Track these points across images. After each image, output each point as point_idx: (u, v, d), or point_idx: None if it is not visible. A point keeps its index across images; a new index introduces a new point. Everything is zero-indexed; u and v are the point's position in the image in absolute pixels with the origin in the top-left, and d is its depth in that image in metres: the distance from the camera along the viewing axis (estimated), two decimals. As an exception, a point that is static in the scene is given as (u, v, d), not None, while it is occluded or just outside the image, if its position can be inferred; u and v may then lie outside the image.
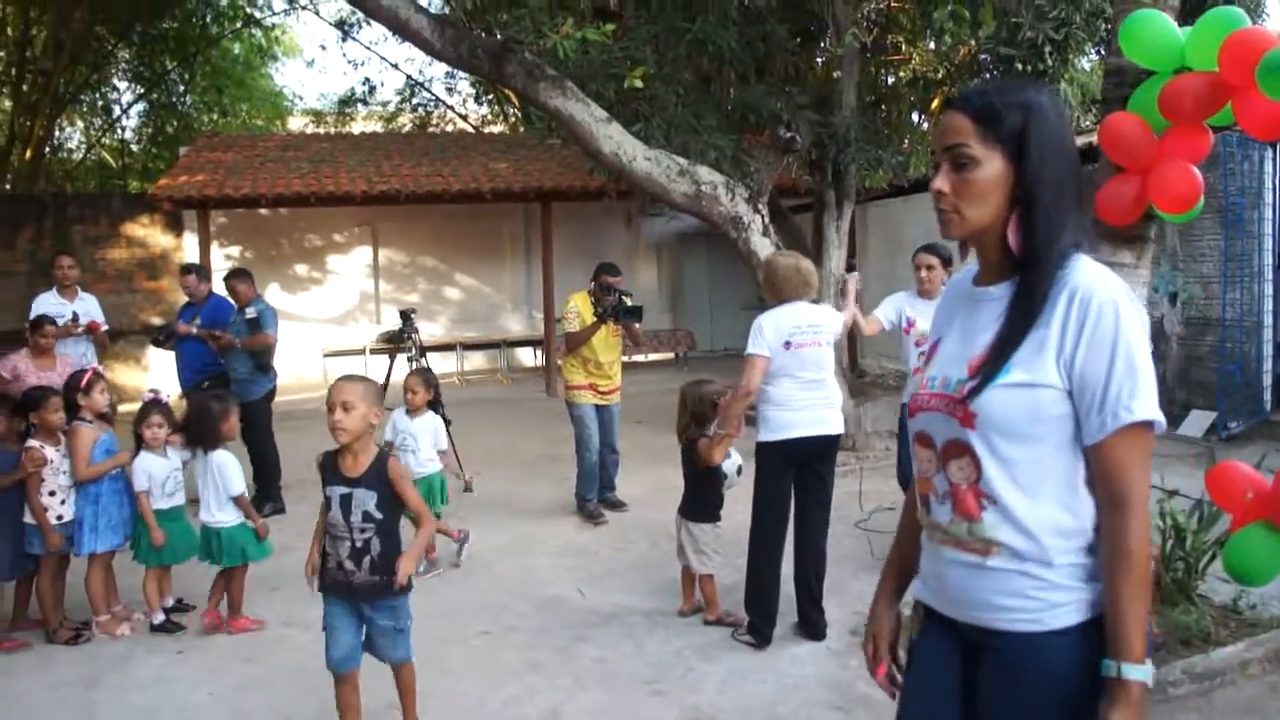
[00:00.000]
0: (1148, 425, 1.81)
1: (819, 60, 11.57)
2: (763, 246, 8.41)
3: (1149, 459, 1.84)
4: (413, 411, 6.48)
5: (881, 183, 11.30)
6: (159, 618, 5.43)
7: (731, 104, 10.02)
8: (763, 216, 8.60)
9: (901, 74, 11.95)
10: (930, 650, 2.07)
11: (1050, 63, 8.58)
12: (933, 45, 11.11)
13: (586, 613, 5.52)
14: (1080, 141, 11.46)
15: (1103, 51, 9.21)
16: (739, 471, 5.36)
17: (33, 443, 5.24)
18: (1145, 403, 1.80)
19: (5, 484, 5.21)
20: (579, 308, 7.37)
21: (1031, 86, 1.97)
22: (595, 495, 7.46)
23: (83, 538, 5.29)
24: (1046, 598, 1.84)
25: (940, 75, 10.79)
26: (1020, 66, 8.63)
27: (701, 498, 5.33)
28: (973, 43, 9.71)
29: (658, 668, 4.72)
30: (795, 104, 9.56)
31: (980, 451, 1.89)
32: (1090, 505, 1.85)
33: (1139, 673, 1.76)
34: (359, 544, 3.73)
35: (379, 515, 3.73)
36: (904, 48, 11.59)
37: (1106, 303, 1.81)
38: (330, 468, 3.79)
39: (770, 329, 4.90)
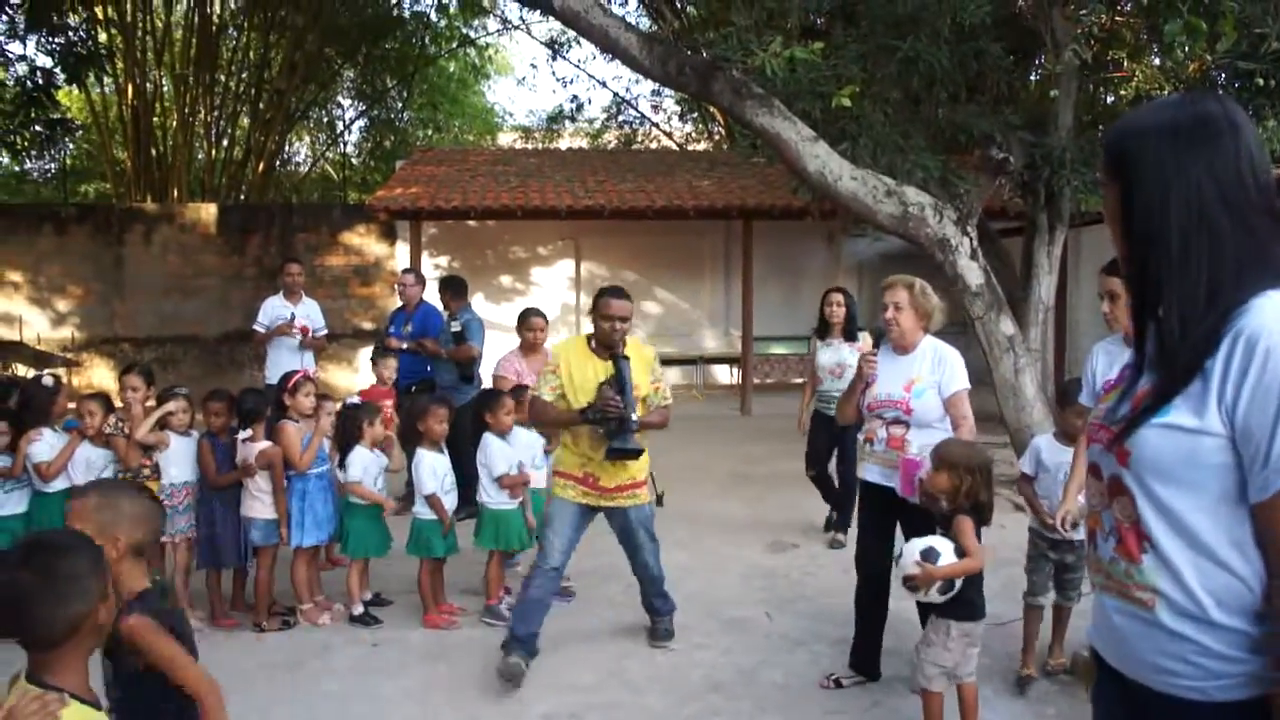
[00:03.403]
0: None
1: (1034, 78, 11.19)
2: (970, 270, 8.16)
3: None
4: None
5: (1098, 206, 10.79)
6: (358, 609, 5.66)
7: (941, 124, 9.78)
8: (971, 239, 8.35)
9: (1123, 92, 11.41)
10: (1105, 702, 1.98)
11: (1297, 78, 7.96)
12: (1158, 61, 10.58)
13: (773, 636, 5.46)
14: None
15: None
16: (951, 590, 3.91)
17: (260, 445, 5.55)
18: None
19: (229, 481, 5.59)
20: (563, 359, 4.98)
21: (1181, 104, 1.79)
22: (526, 636, 4.90)
23: (290, 532, 5.59)
24: (1209, 665, 1.69)
25: (1166, 93, 10.27)
26: (1262, 82, 8.05)
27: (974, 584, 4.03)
28: (1207, 57, 9.18)
29: (842, 698, 4.61)
30: (1008, 124, 9.26)
31: (1135, 492, 1.78)
32: (1261, 569, 1.68)
33: None
34: None
35: (117, 692, 2.58)
36: (1126, 64, 11.08)
37: (1276, 346, 1.62)
38: None
39: None
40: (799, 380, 14.60)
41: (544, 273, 16.71)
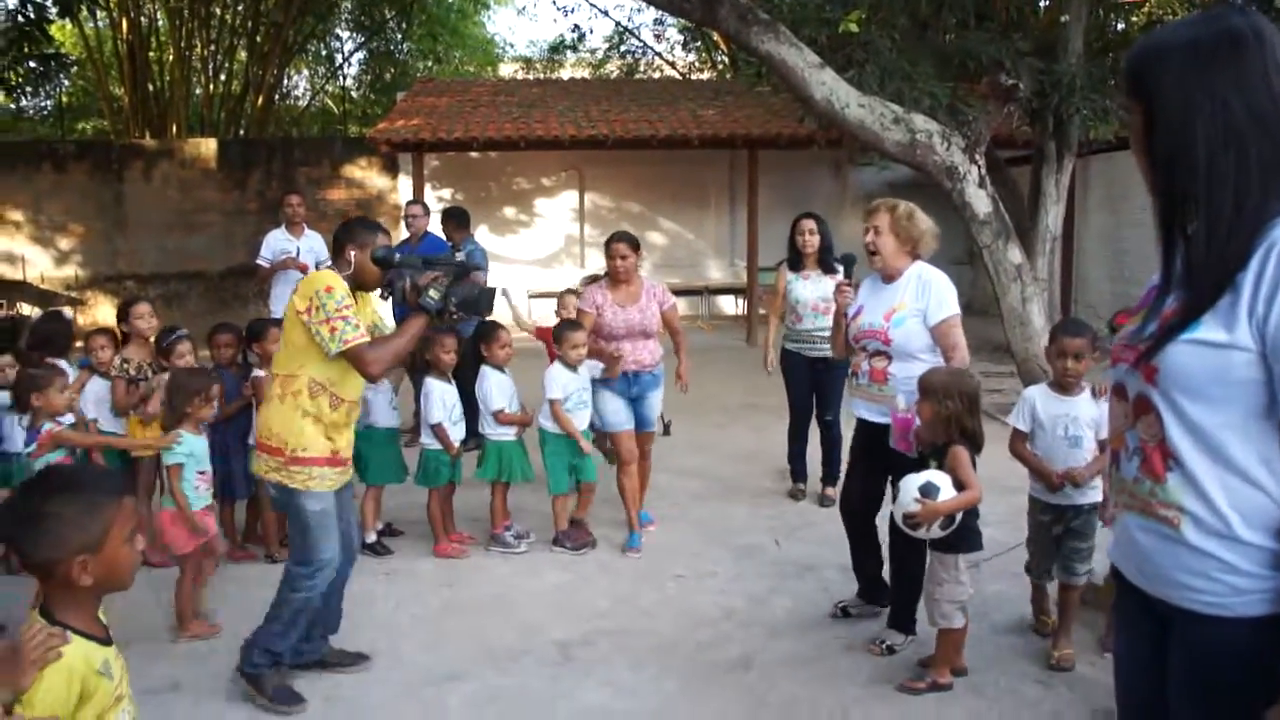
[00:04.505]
0: None
1: (1043, 4, 11.04)
2: (978, 198, 8.10)
3: None
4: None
5: (1108, 134, 10.67)
6: (370, 538, 5.72)
7: (949, 50, 9.66)
8: (979, 167, 8.27)
9: (1134, 19, 11.28)
10: (1127, 619, 2.01)
11: (1323, -3, 7.80)
12: (1171, -15, 10.44)
13: (782, 563, 5.52)
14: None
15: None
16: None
17: (259, 372, 5.56)
18: None
19: (233, 410, 5.59)
20: (342, 296, 3.88)
21: (1204, 21, 1.75)
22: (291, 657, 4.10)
23: None
24: (1232, 582, 1.71)
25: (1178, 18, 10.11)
26: (1280, 3, 7.90)
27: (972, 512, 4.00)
28: (1221, -21, 9.04)
29: (852, 624, 4.67)
30: (1017, 50, 9.14)
31: (1163, 410, 1.77)
32: None
33: None
34: None
35: None
36: (1139, -11, 10.94)
37: None
38: None
39: None
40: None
41: (547, 204, 16.64)
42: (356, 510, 4.33)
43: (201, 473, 4.73)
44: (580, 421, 5.72)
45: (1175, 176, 1.75)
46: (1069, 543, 4.27)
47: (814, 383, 6.59)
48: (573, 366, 5.67)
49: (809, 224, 6.56)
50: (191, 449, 4.65)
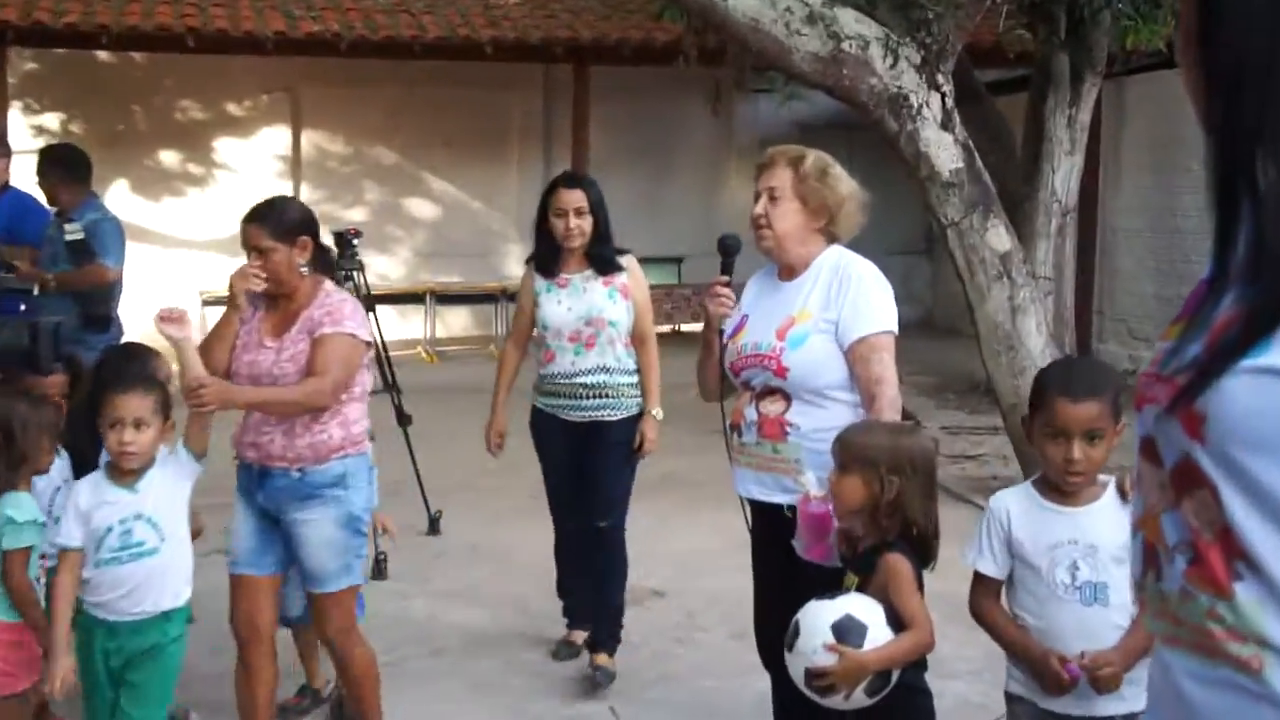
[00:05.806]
0: None
1: None
2: (941, 146, 8.28)
3: None
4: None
5: (1156, 42, 10.92)
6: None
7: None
8: (944, 96, 8.48)
9: None
10: None
11: None
12: None
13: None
14: None
15: None
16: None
17: None
18: None
19: None
20: None
21: None
22: None
23: None
24: None
25: None
26: None
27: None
28: None
29: None
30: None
31: (1219, 481, 1.70)
32: None
33: None
34: None
35: None
36: None
37: None
38: None
39: None
40: (664, 328, 14.53)
41: (237, 147, 16.50)
42: None
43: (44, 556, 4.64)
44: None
45: (1244, 99, 1.72)
46: None
47: (576, 461, 6.35)
48: (128, 477, 4.61)
49: (573, 196, 6.14)
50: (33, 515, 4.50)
